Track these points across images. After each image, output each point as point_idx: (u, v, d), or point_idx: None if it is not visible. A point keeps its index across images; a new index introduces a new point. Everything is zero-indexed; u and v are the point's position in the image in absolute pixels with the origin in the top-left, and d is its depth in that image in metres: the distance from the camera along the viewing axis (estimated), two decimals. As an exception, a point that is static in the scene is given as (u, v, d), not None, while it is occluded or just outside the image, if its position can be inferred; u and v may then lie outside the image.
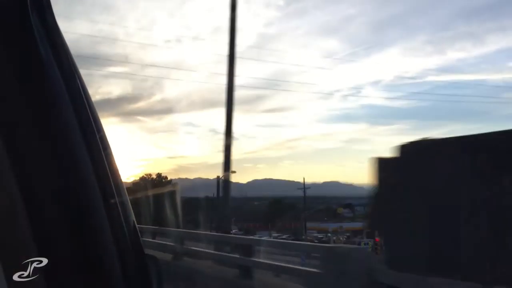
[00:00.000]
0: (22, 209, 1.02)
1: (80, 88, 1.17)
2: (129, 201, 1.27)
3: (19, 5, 1.08)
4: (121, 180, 1.24)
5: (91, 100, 1.22)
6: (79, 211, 1.10)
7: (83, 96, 1.17)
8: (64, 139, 1.11)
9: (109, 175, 1.18)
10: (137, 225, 1.27)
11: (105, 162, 1.18)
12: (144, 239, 16.06)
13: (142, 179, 62.23)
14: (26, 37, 1.08)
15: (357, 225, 73.24)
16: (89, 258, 1.08)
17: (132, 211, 1.27)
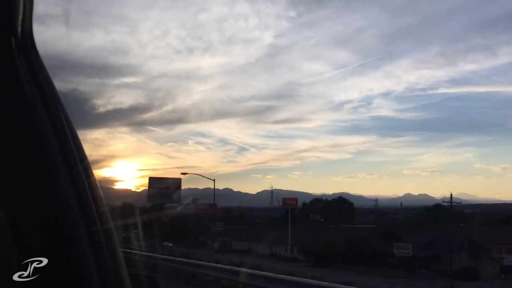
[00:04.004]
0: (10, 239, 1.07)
1: (64, 121, 1.25)
2: (113, 229, 1.31)
3: (4, 48, 1.18)
4: (105, 208, 1.29)
5: (76, 132, 1.29)
6: (62, 240, 1.14)
7: (67, 129, 1.25)
8: (47, 171, 1.17)
9: (92, 204, 1.22)
10: (121, 254, 1.30)
11: (88, 192, 1.22)
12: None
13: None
14: (11, 77, 1.18)
15: None
16: None
17: (117, 239, 1.30)
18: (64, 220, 1.15)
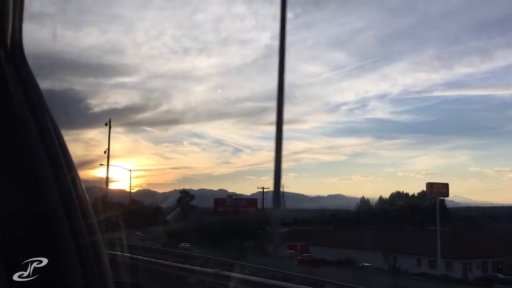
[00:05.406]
0: None
1: (52, 131, 1.24)
2: (102, 241, 1.30)
3: None
4: (93, 220, 1.28)
5: (64, 142, 1.28)
6: (50, 253, 1.13)
7: (55, 139, 1.25)
8: (35, 180, 1.16)
9: (80, 216, 1.22)
10: (108, 266, 1.29)
11: (76, 204, 1.22)
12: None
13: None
14: (0, 86, 1.19)
15: None
16: None
17: (105, 251, 1.30)
18: (51, 231, 1.15)
